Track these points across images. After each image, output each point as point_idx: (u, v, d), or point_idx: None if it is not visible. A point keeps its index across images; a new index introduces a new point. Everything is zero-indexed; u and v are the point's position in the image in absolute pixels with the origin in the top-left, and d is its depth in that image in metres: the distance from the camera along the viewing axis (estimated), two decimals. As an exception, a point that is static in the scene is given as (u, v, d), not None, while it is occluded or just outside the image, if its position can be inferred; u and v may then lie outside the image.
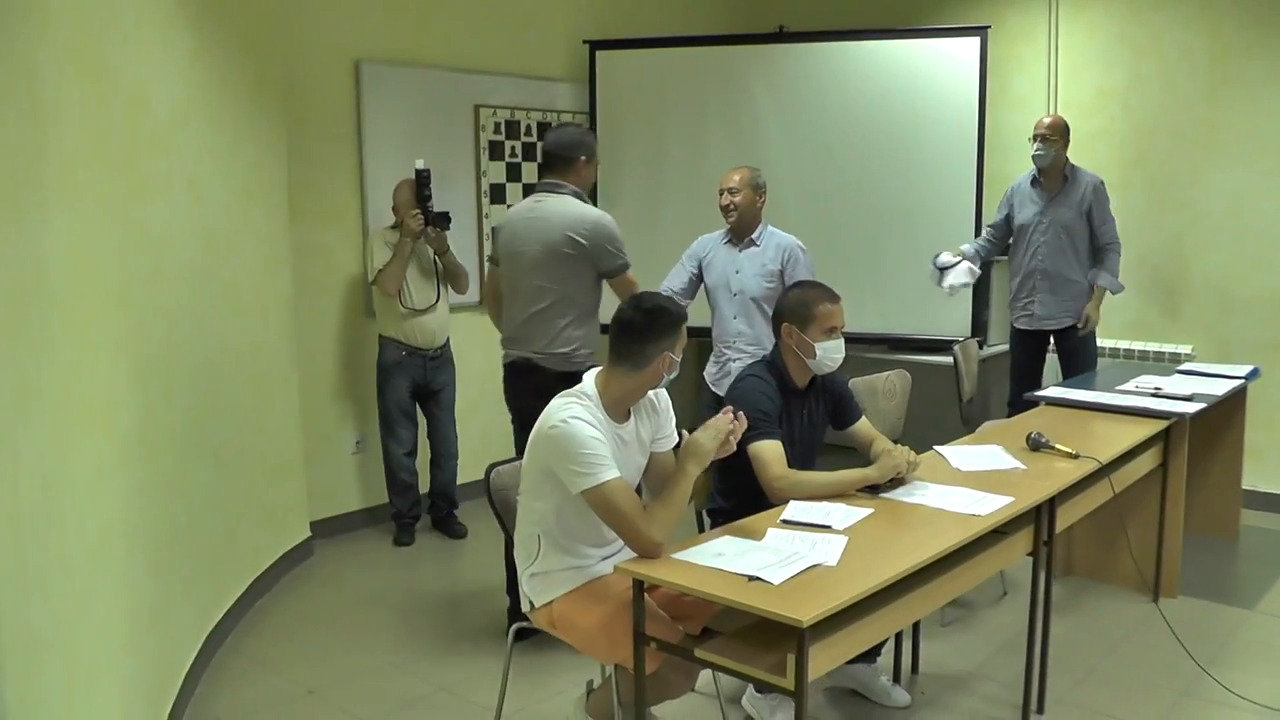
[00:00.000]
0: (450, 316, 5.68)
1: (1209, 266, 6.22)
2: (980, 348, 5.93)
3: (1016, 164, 6.26)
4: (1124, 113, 6.44)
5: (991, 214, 6.04)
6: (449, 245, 5.48)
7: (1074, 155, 6.34)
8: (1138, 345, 6.36)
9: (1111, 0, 6.44)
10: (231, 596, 4.55)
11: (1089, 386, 5.09)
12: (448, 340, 5.66)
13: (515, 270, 4.12)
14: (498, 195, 6.44)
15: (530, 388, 3.94)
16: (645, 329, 2.92)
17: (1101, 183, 5.61)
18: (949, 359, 5.63)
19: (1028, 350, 5.73)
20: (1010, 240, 5.76)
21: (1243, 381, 5.25)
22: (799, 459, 3.47)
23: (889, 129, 6.33)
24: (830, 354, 3.47)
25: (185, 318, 3.96)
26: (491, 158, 6.38)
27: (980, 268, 5.67)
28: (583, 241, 4.01)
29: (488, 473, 3.21)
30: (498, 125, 6.38)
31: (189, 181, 4.07)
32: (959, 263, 5.51)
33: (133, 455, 3.25)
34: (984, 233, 5.83)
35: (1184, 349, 6.24)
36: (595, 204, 6.00)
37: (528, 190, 6.50)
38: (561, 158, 4.12)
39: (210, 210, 4.31)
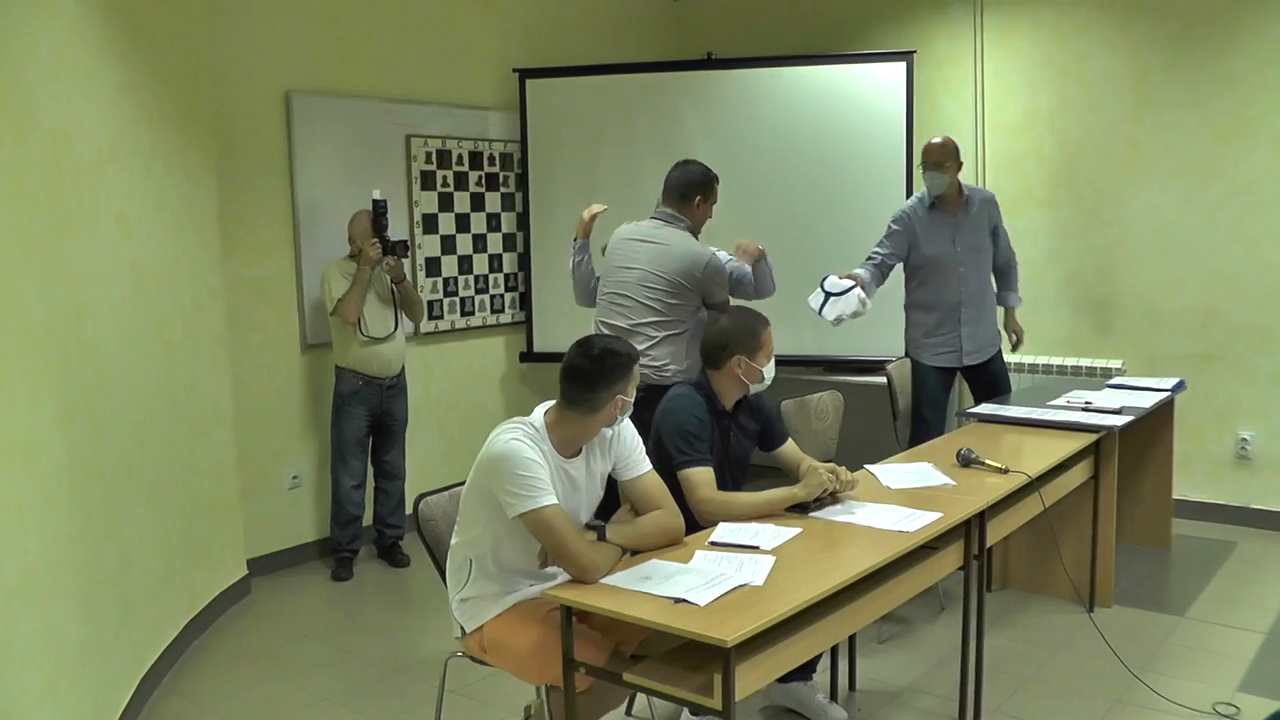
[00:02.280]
0: (404, 342, 5.69)
1: (1137, 282, 6.24)
2: None
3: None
4: (1051, 134, 6.47)
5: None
6: (405, 274, 5.52)
7: (1004, 176, 6.60)
8: (1070, 361, 6.37)
9: (1036, 25, 6.48)
10: (167, 637, 4.48)
11: (1016, 403, 5.09)
12: (403, 369, 5.66)
13: (620, 284, 4.28)
14: (430, 225, 6.40)
15: None
16: (595, 375, 2.90)
17: (993, 195, 5.48)
18: (882, 379, 5.62)
19: (942, 386, 5.34)
20: (908, 274, 5.37)
21: (1170, 394, 5.26)
22: (727, 480, 3.47)
23: (818, 153, 6.33)
24: (769, 374, 3.51)
25: (115, 354, 3.91)
26: (423, 188, 6.34)
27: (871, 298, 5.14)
28: (699, 277, 4.22)
29: (417, 503, 3.18)
30: (429, 155, 6.35)
31: (117, 216, 4.02)
32: (850, 289, 4.88)
33: (57, 495, 3.20)
34: (874, 261, 5.23)
35: (1115, 364, 6.24)
36: (527, 230, 6.62)
37: (461, 221, 6.55)
38: (680, 195, 4.31)
39: (140, 245, 4.26)
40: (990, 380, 5.46)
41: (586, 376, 2.89)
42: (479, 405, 6.72)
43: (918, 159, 5.32)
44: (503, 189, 6.81)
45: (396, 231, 6.06)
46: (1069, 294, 6.42)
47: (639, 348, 4.00)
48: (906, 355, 5.45)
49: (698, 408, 3.41)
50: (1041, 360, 6.40)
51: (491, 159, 6.73)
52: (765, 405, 3.59)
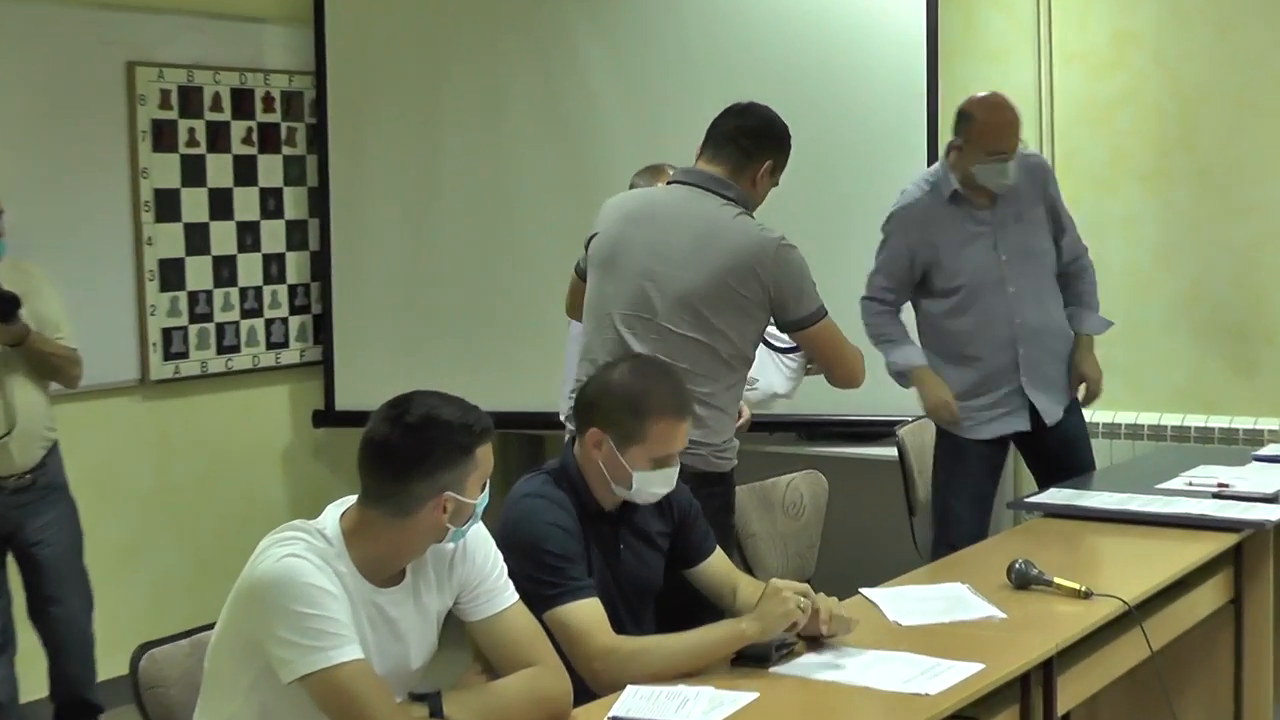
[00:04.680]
0: (48, 418, 5.25)
1: (1299, 300, 6.28)
2: None
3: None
4: (1158, 70, 6.25)
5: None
6: (27, 327, 5.12)
7: (1082, 134, 6.55)
8: (1192, 420, 6.25)
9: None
10: None
11: (1105, 486, 5.06)
12: (45, 459, 5.23)
13: (633, 300, 4.21)
14: (166, 208, 6.17)
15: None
16: (406, 456, 2.84)
17: (1042, 160, 5.55)
18: (891, 450, 5.54)
19: (989, 467, 5.36)
20: (923, 307, 5.41)
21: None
22: (623, 621, 3.48)
23: (793, 98, 5.78)
24: (650, 487, 3.49)
25: None
26: (157, 147, 6.10)
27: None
28: (766, 277, 4.14)
29: (135, 658, 3.01)
30: (166, 95, 6.13)
31: None
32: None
33: None
34: (888, 309, 5.32)
35: (1266, 424, 6.13)
36: (326, 214, 6.59)
37: (219, 201, 6.40)
38: (742, 150, 4.23)
39: None
40: (1062, 449, 5.40)
41: (393, 457, 2.85)
42: (247, 497, 6.49)
43: (946, 122, 5.42)
44: (287, 149, 6.64)
45: (104, 220, 5.91)
46: (1190, 317, 6.31)
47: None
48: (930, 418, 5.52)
49: (554, 511, 3.41)
50: (1146, 419, 6.32)
51: (269, 102, 6.57)
52: (679, 495, 3.62)
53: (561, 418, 4.41)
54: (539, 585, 3.24)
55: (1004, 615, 3.66)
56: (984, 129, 5.11)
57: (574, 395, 4.19)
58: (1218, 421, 6.21)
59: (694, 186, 4.27)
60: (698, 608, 3.56)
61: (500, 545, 3.25)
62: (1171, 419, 6.26)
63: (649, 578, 3.61)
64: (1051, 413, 5.30)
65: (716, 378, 4.21)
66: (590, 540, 3.45)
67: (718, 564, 3.67)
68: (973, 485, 5.29)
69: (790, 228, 5.47)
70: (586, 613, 3.25)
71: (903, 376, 5.37)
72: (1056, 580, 3.82)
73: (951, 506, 5.27)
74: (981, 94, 5.24)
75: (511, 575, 3.21)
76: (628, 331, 4.24)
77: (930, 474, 5.35)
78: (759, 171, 4.31)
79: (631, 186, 4.86)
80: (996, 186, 5.16)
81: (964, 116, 5.16)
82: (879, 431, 6.03)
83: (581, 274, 4.45)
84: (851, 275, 5.75)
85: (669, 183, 4.45)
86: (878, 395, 5.73)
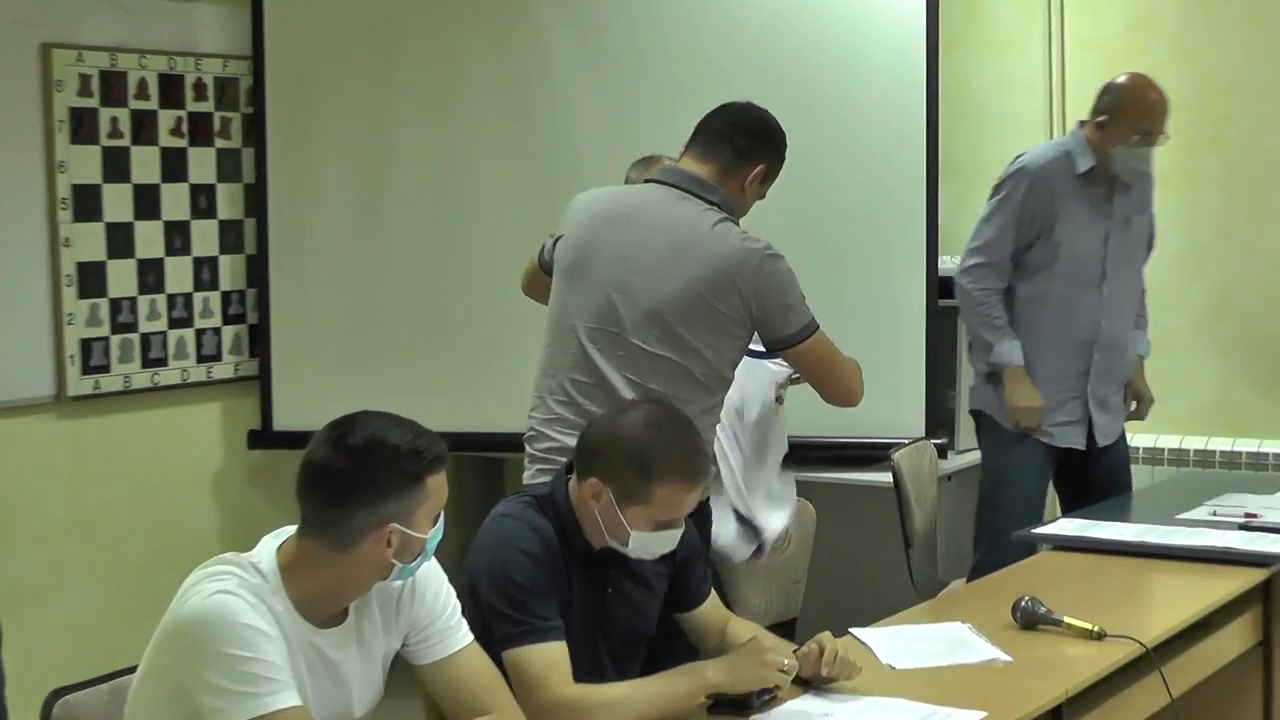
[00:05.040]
0: None
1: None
2: (943, 456, 5.88)
3: (998, 147, 6.23)
4: (1180, 59, 6.22)
5: (962, 222, 5.80)
6: None
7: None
8: (1218, 444, 6.27)
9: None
10: None
11: (1122, 516, 5.08)
12: None
13: (603, 314, 4.20)
14: (86, 206, 6.01)
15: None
16: (348, 482, 2.83)
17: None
18: (885, 476, 5.44)
19: (1040, 483, 5.47)
20: (1019, 273, 5.49)
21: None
22: (605, 667, 3.52)
23: (778, 89, 5.82)
24: (649, 547, 3.49)
25: None
26: (76, 138, 5.95)
27: None
28: (747, 288, 4.13)
29: (48, 705, 2.99)
30: (86, 80, 5.99)
31: None
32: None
33: None
34: (992, 283, 5.39)
35: None
36: (263, 214, 6.49)
37: (144, 199, 6.23)
38: (735, 150, 4.23)
39: None
40: (1107, 477, 5.52)
41: (333, 483, 2.85)
42: (173, 527, 6.31)
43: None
44: (221, 141, 6.48)
45: (20, 220, 5.81)
46: (1216, 330, 6.35)
47: None
48: (977, 414, 5.62)
49: (529, 537, 3.41)
50: (1167, 443, 6.36)
51: (201, 89, 6.39)
52: (686, 538, 3.61)
53: (526, 438, 4.36)
54: (500, 619, 3.25)
55: (1009, 658, 3.64)
56: (1139, 106, 5.21)
57: (537, 413, 4.24)
58: (1245, 445, 6.20)
59: (674, 188, 4.22)
60: (669, 646, 3.59)
61: (468, 568, 3.37)
62: (1195, 442, 6.23)
63: (641, 623, 3.61)
64: (1108, 433, 5.39)
65: (690, 400, 4.13)
66: (574, 578, 3.43)
67: (712, 609, 3.67)
68: (1022, 502, 5.35)
69: (773, 232, 5.47)
70: (546, 658, 3.24)
71: (994, 372, 5.42)
72: (1067, 620, 3.78)
73: (996, 530, 5.23)
74: (1131, 72, 5.32)
75: (475, 602, 3.28)
76: (593, 347, 4.21)
77: (929, 501, 5.29)
78: (749, 176, 4.27)
79: (626, 181, 4.84)
80: (1131, 174, 5.24)
81: (1114, 90, 5.25)
82: (871, 455, 5.97)
83: (545, 267, 4.40)
84: (842, 285, 5.77)
85: (647, 180, 4.39)
86: (870, 415, 5.59)
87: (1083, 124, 5.41)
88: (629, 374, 4.15)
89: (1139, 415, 5.65)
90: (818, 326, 4.20)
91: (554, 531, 3.44)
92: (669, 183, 4.27)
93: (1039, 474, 5.48)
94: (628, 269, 4.19)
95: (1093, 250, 5.37)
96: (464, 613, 3.19)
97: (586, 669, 3.36)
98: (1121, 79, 5.34)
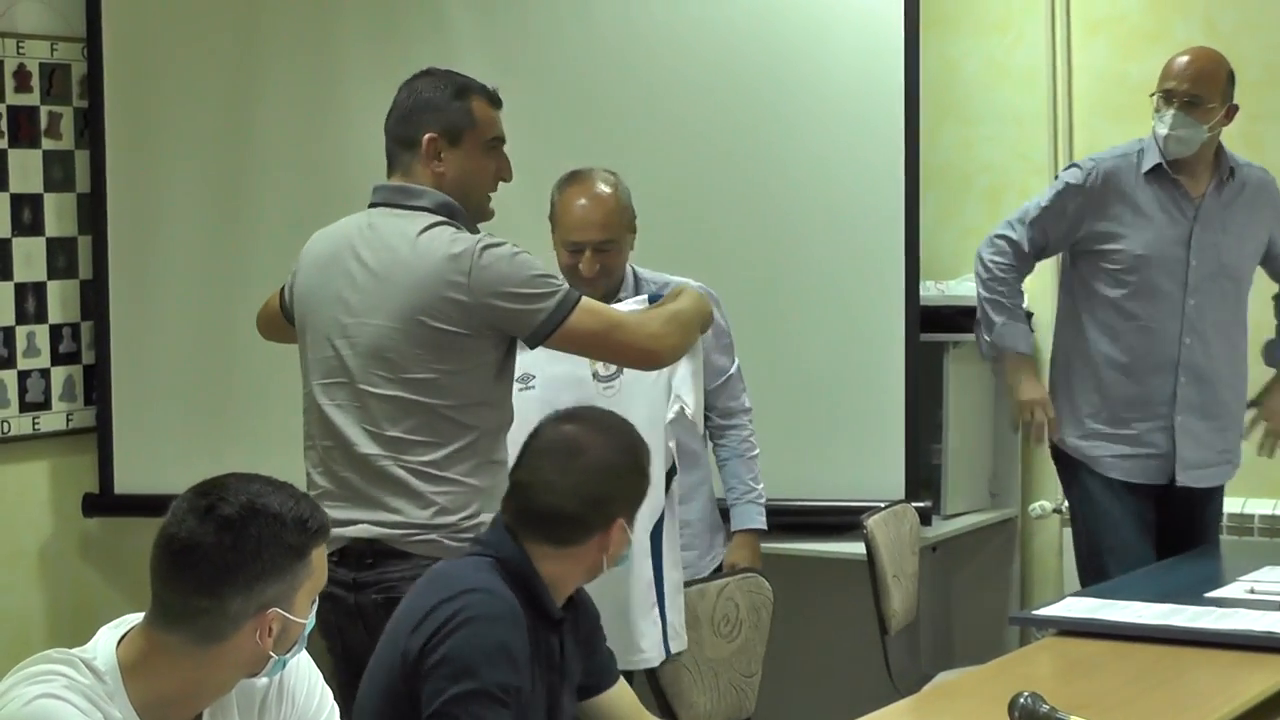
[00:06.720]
0: None
1: None
2: (926, 522, 5.73)
3: (991, 150, 6.37)
4: (1209, 43, 5.80)
5: (947, 240, 6.09)
6: None
7: (1108, 120, 6.46)
8: (1255, 507, 6.03)
9: None
10: None
11: (1142, 594, 4.86)
12: None
13: (329, 363, 4.19)
14: None
15: (371, 602, 3.96)
16: (222, 563, 2.64)
17: (1271, 175, 5.56)
18: (858, 547, 5.34)
19: (1138, 522, 5.33)
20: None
21: None
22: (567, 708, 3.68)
23: (735, 92, 6.02)
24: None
25: None
26: None
27: None
28: (469, 284, 4.09)
29: None
30: None
31: None
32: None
33: None
34: (1011, 257, 5.40)
35: None
36: (103, 227, 6.31)
37: None
38: (401, 140, 4.28)
39: None
40: (1187, 528, 5.44)
41: (203, 563, 2.66)
42: None
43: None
44: (49, 141, 6.26)
45: None
46: (1253, 365, 5.90)
47: (403, 494, 4.07)
48: (1056, 451, 5.59)
49: (510, 630, 3.37)
50: (1258, 507, 6.13)
51: (24, 78, 6.19)
52: (586, 599, 3.78)
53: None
54: (477, 699, 3.18)
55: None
56: (1165, 69, 5.30)
57: (311, 492, 4.11)
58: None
59: (380, 206, 4.20)
60: None
61: (436, 636, 3.28)
62: (1231, 504, 5.79)
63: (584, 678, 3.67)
64: (1194, 475, 5.28)
65: (440, 440, 4.05)
66: (537, 651, 3.40)
67: (624, 694, 3.69)
68: (1121, 543, 5.26)
69: (715, 259, 5.87)
70: None
71: (995, 357, 5.49)
72: (1072, 719, 3.50)
73: (1106, 567, 5.22)
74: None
75: (426, 676, 3.22)
76: (330, 404, 4.17)
77: (906, 578, 5.20)
78: (428, 152, 4.17)
79: (550, 202, 4.81)
80: (1174, 142, 5.21)
81: None
82: (839, 522, 5.73)
83: (288, 314, 4.39)
84: (802, 317, 5.83)
85: (371, 204, 4.32)
86: (838, 473, 5.88)
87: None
88: (366, 426, 4.06)
89: (1273, 449, 5.49)
90: (577, 298, 4.05)
91: (526, 605, 3.37)
92: (375, 202, 4.24)
93: (1129, 512, 5.34)
94: (344, 310, 4.13)
95: (1169, 250, 5.31)
96: (434, 685, 3.16)
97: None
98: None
